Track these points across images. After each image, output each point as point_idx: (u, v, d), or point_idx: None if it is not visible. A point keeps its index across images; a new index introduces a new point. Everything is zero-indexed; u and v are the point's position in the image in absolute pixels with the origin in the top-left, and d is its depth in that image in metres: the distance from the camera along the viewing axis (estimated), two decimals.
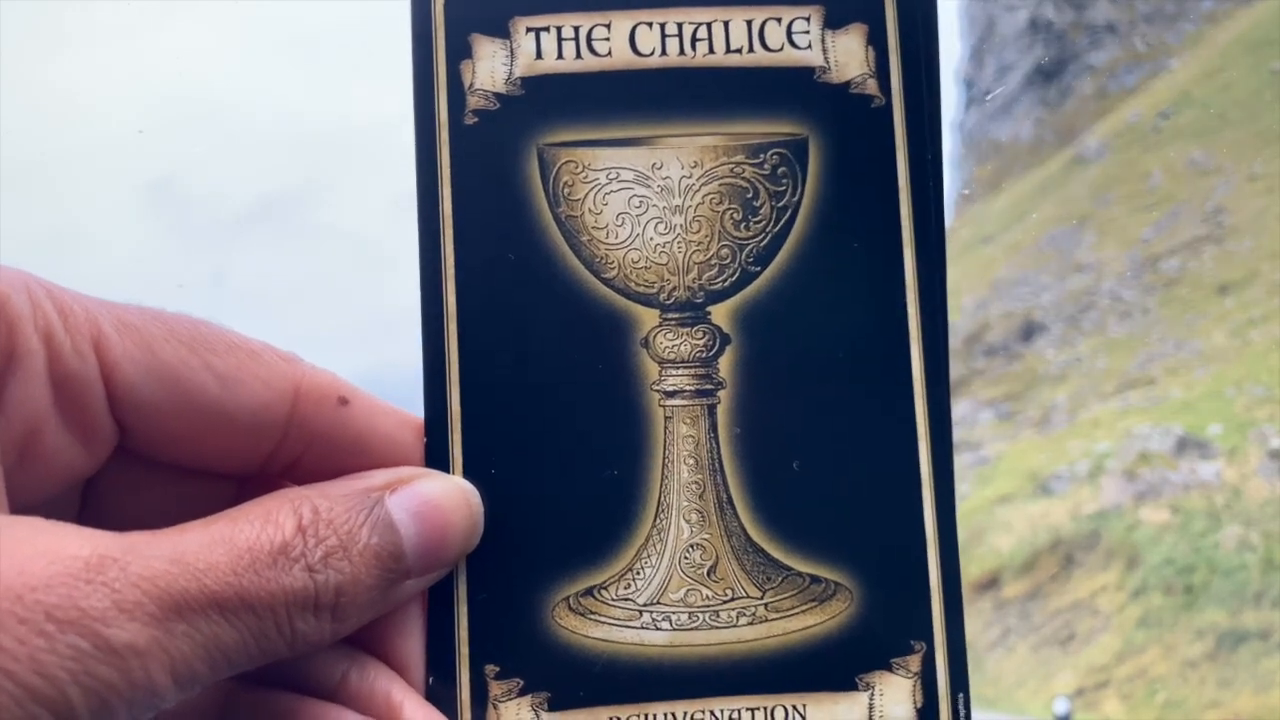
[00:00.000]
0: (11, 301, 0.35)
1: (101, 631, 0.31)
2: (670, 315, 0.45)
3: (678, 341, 0.45)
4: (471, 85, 0.46)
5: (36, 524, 0.33)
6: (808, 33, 0.46)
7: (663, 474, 0.45)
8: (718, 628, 0.44)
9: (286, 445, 0.41)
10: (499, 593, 0.44)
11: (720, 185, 0.46)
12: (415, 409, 0.44)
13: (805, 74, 0.46)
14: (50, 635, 0.31)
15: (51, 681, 0.30)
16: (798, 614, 0.44)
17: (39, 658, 0.30)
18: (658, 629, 0.44)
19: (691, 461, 0.45)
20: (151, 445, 0.40)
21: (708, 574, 0.45)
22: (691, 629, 0.44)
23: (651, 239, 0.45)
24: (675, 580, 0.45)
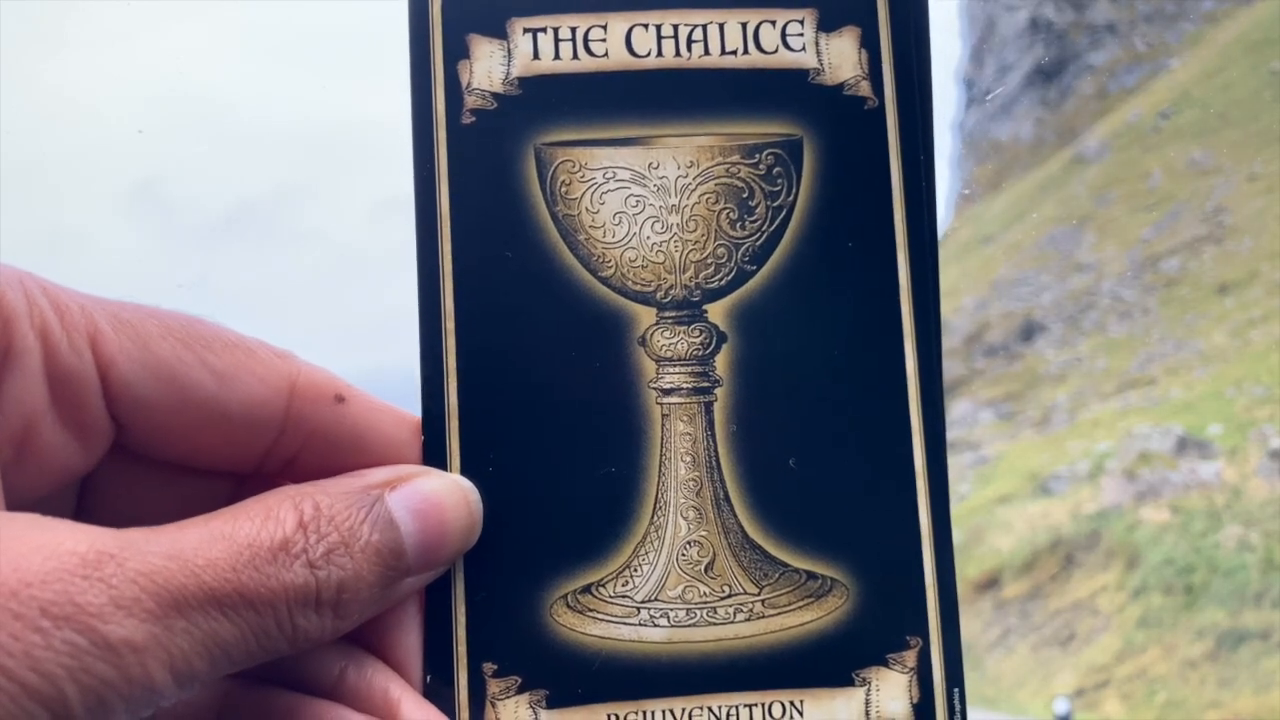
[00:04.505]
0: (7, 298, 0.35)
1: (98, 628, 0.31)
2: (667, 313, 0.45)
3: (674, 339, 0.45)
4: (469, 85, 0.46)
5: (33, 520, 0.33)
6: (802, 35, 0.47)
7: (660, 471, 0.45)
8: (715, 624, 0.44)
9: (283, 442, 0.41)
10: (497, 590, 0.44)
11: (716, 185, 0.46)
12: (411, 409, 0.44)
13: (799, 76, 0.47)
14: (46, 632, 0.30)
15: (48, 678, 0.30)
16: (794, 610, 0.45)
17: (35, 654, 0.30)
18: (655, 626, 0.44)
19: (689, 459, 0.45)
20: (148, 442, 0.40)
21: (705, 571, 0.45)
22: (689, 626, 0.44)
23: (648, 238, 0.45)
24: (673, 577, 0.45)
